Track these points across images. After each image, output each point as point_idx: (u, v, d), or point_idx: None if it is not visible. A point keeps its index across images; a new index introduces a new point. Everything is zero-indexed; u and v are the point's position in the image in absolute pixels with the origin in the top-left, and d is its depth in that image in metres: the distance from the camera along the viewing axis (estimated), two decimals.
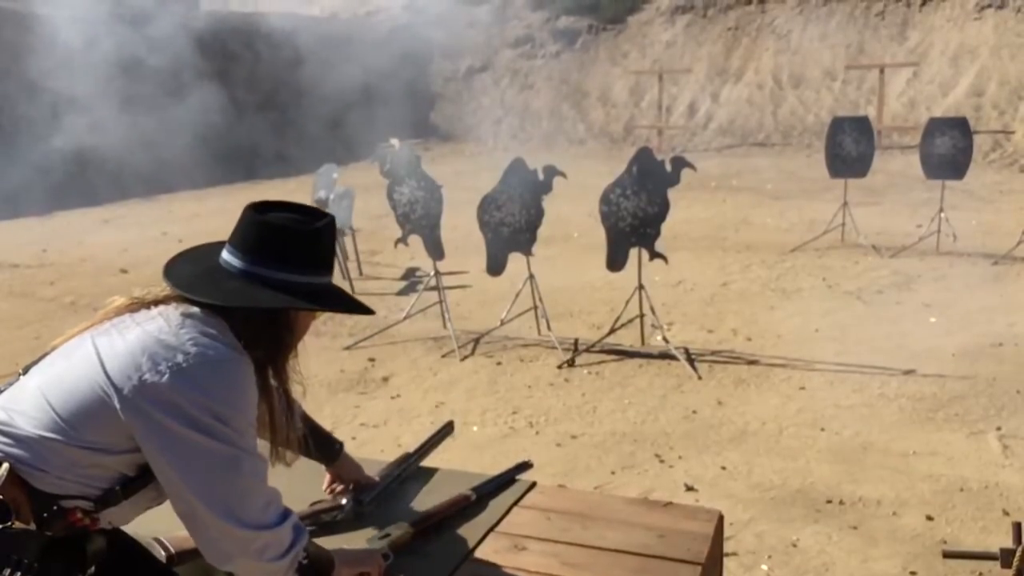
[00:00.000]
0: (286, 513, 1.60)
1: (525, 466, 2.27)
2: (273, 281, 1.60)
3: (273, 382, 1.68)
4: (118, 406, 1.46)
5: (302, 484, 2.18)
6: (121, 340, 1.52)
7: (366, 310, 1.75)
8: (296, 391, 1.79)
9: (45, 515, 1.47)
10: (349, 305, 1.72)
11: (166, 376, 1.46)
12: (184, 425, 1.46)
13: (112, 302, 1.65)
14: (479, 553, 1.90)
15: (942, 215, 8.35)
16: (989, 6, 16.97)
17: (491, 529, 2.00)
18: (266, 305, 1.60)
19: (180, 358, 1.48)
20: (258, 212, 1.65)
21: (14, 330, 6.67)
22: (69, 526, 1.50)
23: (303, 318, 1.71)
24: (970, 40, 16.79)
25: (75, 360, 1.53)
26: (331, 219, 1.69)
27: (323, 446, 2.10)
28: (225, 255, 1.65)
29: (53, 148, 12.60)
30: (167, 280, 1.64)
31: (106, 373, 1.48)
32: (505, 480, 2.20)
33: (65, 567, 1.50)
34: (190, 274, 1.64)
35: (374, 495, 2.09)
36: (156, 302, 1.61)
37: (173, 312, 1.57)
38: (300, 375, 1.77)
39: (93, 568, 1.57)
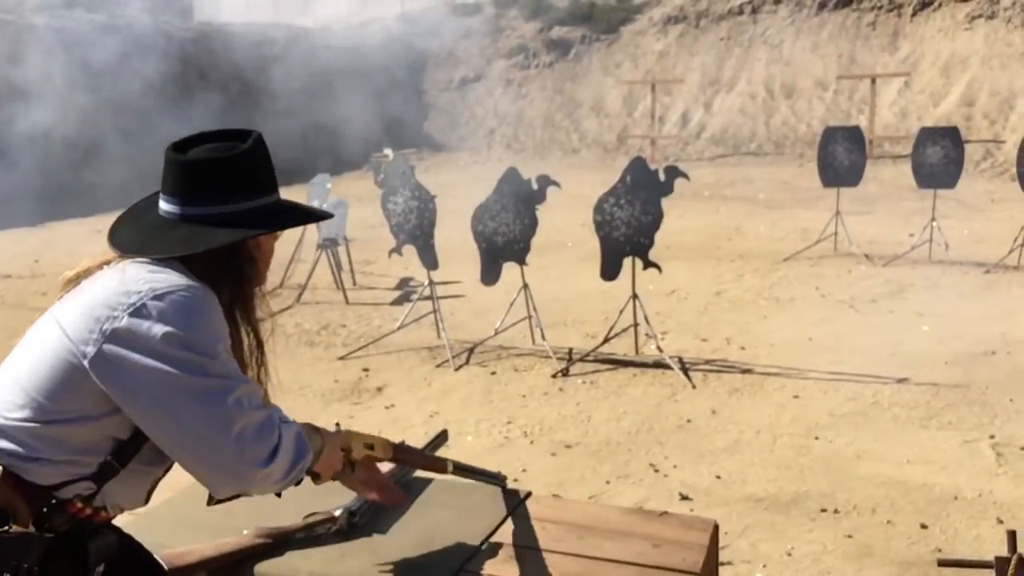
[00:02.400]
0: (282, 434, 1.53)
1: (502, 479, 2.23)
2: (217, 217, 1.55)
3: (241, 322, 1.63)
4: (86, 364, 1.43)
5: (297, 496, 2.18)
6: (76, 303, 1.50)
7: (320, 216, 1.70)
8: (263, 328, 1.72)
9: (44, 510, 1.45)
10: (301, 217, 1.67)
11: (123, 318, 1.43)
12: (153, 360, 1.41)
13: (64, 276, 1.61)
14: (474, 564, 1.90)
15: (934, 224, 8.39)
16: (980, 16, 17.09)
17: (486, 539, 1.99)
18: (215, 244, 1.53)
19: (134, 298, 1.45)
20: (180, 152, 1.59)
21: (5, 341, 6.61)
22: (71, 519, 1.48)
23: (264, 243, 1.66)
24: (961, 50, 16.89)
25: (39, 337, 1.52)
26: (257, 136, 1.62)
27: None
28: (163, 205, 1.60)
29: (44, 158, 12.57)
30: (113, 247, 1.60)
31: (68, 337, 1.45)
32: (481, 474, 2.18)
33: (69, 568, 1.47)
34: (135, 235, 1.60)
35: (367, 506, 2.08)
36: (107, 264, 1.58)
37: (123, 264, 1.54)
38: (268, 309, 1.72)
39: (102, 567, 1.54)
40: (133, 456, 1.51)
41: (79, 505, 1.48)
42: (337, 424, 1.90)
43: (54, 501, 1.46)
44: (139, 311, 1.43)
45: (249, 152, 1.59)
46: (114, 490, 1.53)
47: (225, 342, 1.52)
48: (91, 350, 1.43)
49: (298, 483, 1.63)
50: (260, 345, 1.70)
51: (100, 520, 1.54)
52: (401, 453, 1.95)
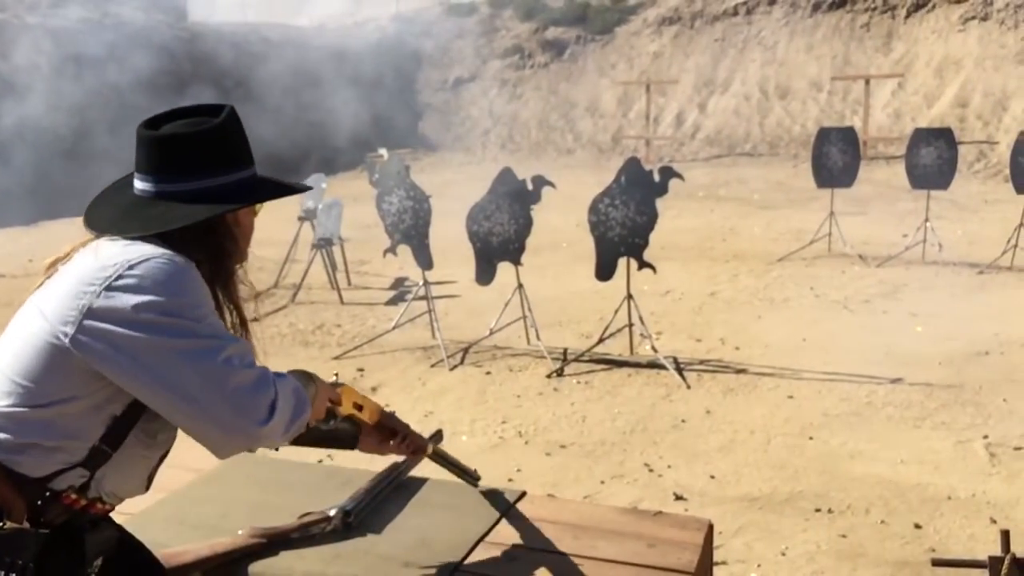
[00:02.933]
0: (278, 390, 1.49)
1: (476, 477, 2.22)
2: (192, 193, 1.53)
3: (223, 300, 1.61)
4: (68, 344, 1.41)
5: (291, 496, 2.18)
6: (54, 287, 1.48)
7: (298, 189, 1.67)
8: (247, 308, 1.70)
9: (39, 503, 1.43)
10: (278, 190, 1.64)
11: (100, 293, 1.41)
12: (136, 329, 1.39)
13: (44, 263, 1.59)
14: (469, 564, 1.90)
15: (928, 225, 8.41)
16: (973, 18, 17.14)
17: (481, 539, 1.99)
18: (193, 220, 1.51)
19: (109, 271, 1.43)
20: (152, 128, 1.56)
21: None
22: (66, 510, 1.46)
23: (242, 218, 1.63)
24: (954, 52, 16.95)
25: (21, 326, 1.50)
26: (230, 109, 1.60)
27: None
28: (137, 184, 1.58)
29: (38, 157, 12.54)
30: (89, 228, 1.58)
31: (49, 321, 1.43)
32: (456, 467, 2.17)
33: (66, 563, 1.45)
34: (110, 215, 1.58)
35: (363, 506, 2.07)
36: (84, 247, 1.56)
37: (97, 243, 1.52)
38: (252, 288, 1.69)
39: (99, 561, 1.53)
40: (124, 440, 1.49)
41: (73, 496, 1.47)
42: (336, 375, 1.88)
43: (48, 493, 1.44)
44: (115, 284, 1.41)
45: (222, 126, 1.56)
46: (108, 477, 1.50)
47: (209, 304, 1.49)
48: (71, 330, 1.41)
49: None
50: (244, 323, 1.68)
51: (96, 511, 1.52)
52: (386, 420, 1.92)
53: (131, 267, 1.43)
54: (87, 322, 1.41)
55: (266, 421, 1.46)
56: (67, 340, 1.41)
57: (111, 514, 1.60)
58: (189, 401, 1.42)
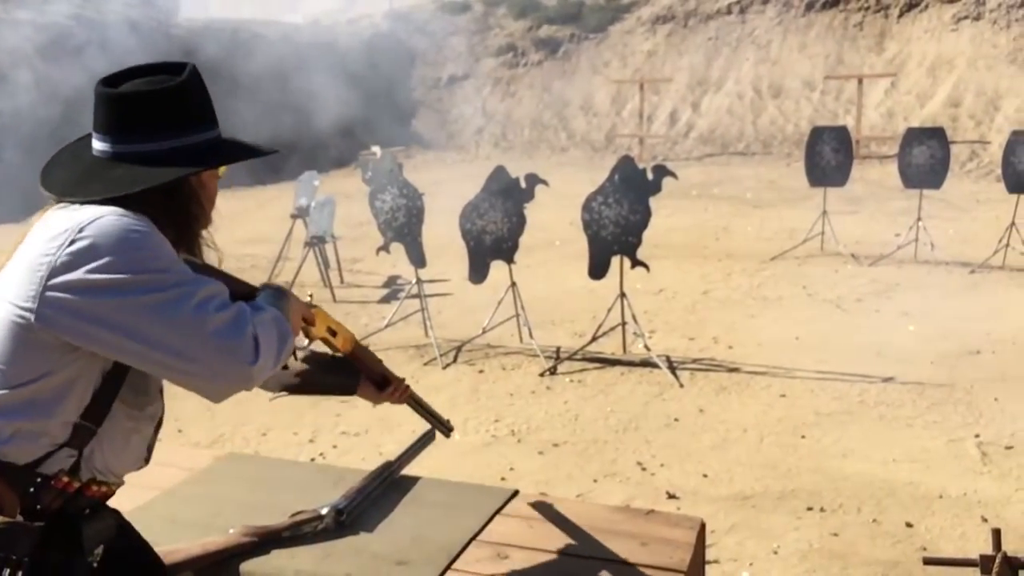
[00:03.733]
0: (257, 324, 1.44)
1: (449, 427, 2.20)
2: (153, 155, 1.46)
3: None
4: (34, 321, 1.36)
5: (283, 495, 2.17)
6: (13, 266, 1.44)
7: (264, 152, 1.60)
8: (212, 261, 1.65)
9: (31, 490, 1.40)
10: (243, 152, 1.57)
11: (55, 264, 1.36)
12: (100, 293, 1.35)
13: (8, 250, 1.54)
14: (461, 562, 1.89)
15: (920, 224, 8.43)
16: (966, 18, 17.19)
17: (473, 538, 1.99)
18: (154, 183, 1.44)
19: (60, 240, 1.37)
20: (110, 86, 1.48)
21: None
22: (59, 494, 1.43)
23: (206, 180, 1.57)
24: (947, 51, 16.99)
25: None
26: (192, 68, 1.53)
27: (338, 368, 1.92)
28: (96, 144, 1.50)
29: (29, 153, 12.49)
30: (45, 189, 1.50)
31: (11, 302, 1.39)
32: (430, 414, 2.15)
33: (63, 555, 1.42)
34: (68, 177, 1.50)
35: (355, 504, 2.07)
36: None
37: (47, 214, 1.47)
38: (219, 255, 1.64)
39: (100, 549, 1.50)
40: (107, 413, 1.45)
41: (65, 479, 1.43)
42: (311, 296, 1.84)
43: (39, 479, 1.41)
44: (68, 250, 1.36)
45: (184, 85, 1.49)
46: (99, 454, 1.47)
47: (169, 254, 1.43)
48: (34, 305, 1.36)
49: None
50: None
51: (93, 494, 1.48)
52: (359, 352, 1.87)
53: (81, 231, 1.37)
54: (48, 294, 1.36)
55: (254, 359, 1.42)
56: (32, 317, 1.37)
57: (112, 501, 1.57)
58: (172, 355, 1.38)
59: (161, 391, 1.58)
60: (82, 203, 1.44)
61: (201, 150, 1.50)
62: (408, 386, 2.02)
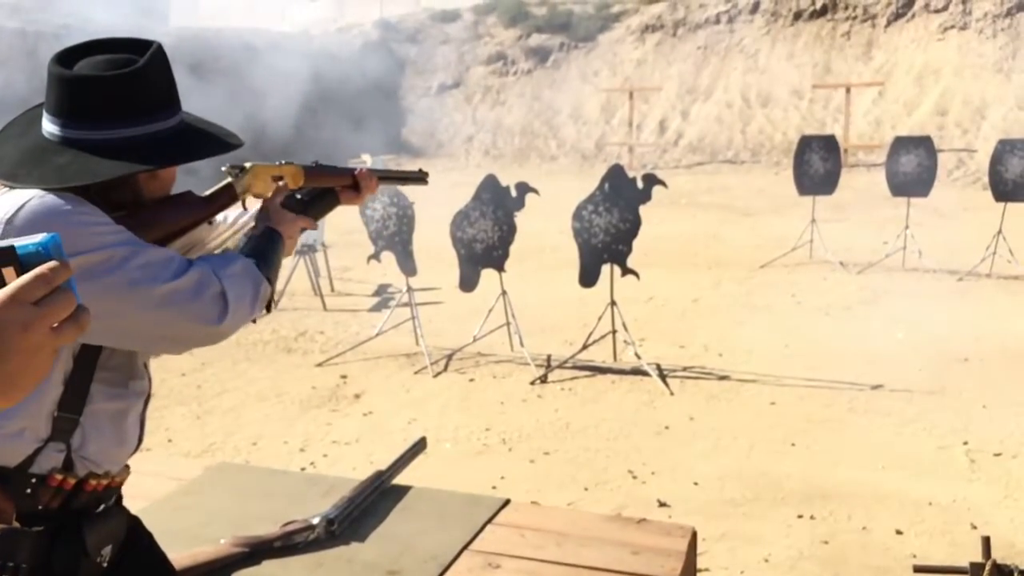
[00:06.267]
0: (224, 278, 1.39)
1: (423, 174, 2.06)
2: (102, 144, 1.36)
3: None
4: None
5: (274, 505, 2.16)
6: None
7: (229, 146, 1.49)
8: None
9: (28, 492, 1.36)
10: (202, 150, 1.46)
11: None
12: None
13: None
14: (452, 572, 1.89)
15: (908, 232, 8.48)
16: (952, 27, 17.33)
17: (465, 547, 1.99)
18: (97, 178, 1.34)
19: None
20: (64, 65, 1.37)
21: None
22: (57, 493, 1.38)
23: (161, 172, 1.47)
24: (934, 60, 17.12)
25: None
26: (156, 47, 1.42)
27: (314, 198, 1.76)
28: (45, 124, 1.40)
29: None
30: None
31: None
32: (400, 176, 2.06)
33: (66, 559, 1.38)
34: (10, 156, 1.40)
35: (346, 514, 2.07)
36: None
37: None
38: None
39: (107, 549, 1.45)
40: (85, 400, 1.39)
41: (59, 477, 1.39)
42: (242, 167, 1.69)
43: (33, 480, 1.37)
44: (7, 232, 1.26)
45: (143, 70, 1.38)
46: (87, 444, 1.41)
47: (109, 225, 1.33)
48: None
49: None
50: None
51: (93, 489, 1.43)
52: (315, 173, 1.73)
53: (9, 221, 1.29)
54: None
55: (219, 318, 1.38)
56: None
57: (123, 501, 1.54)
58: (136, 336, 1.35)
59: (147, 364, 1.53)
60: (11, 187, 1.36)
61: (158, 140, 1.41)
62: (369, 169, 1.85)
